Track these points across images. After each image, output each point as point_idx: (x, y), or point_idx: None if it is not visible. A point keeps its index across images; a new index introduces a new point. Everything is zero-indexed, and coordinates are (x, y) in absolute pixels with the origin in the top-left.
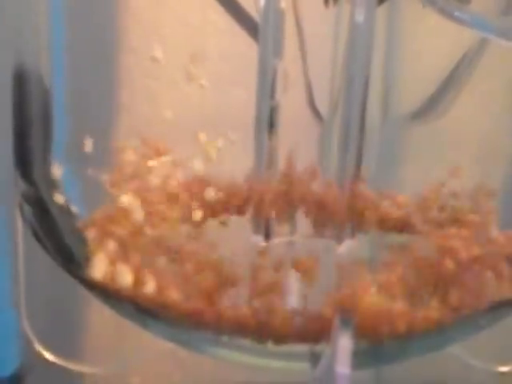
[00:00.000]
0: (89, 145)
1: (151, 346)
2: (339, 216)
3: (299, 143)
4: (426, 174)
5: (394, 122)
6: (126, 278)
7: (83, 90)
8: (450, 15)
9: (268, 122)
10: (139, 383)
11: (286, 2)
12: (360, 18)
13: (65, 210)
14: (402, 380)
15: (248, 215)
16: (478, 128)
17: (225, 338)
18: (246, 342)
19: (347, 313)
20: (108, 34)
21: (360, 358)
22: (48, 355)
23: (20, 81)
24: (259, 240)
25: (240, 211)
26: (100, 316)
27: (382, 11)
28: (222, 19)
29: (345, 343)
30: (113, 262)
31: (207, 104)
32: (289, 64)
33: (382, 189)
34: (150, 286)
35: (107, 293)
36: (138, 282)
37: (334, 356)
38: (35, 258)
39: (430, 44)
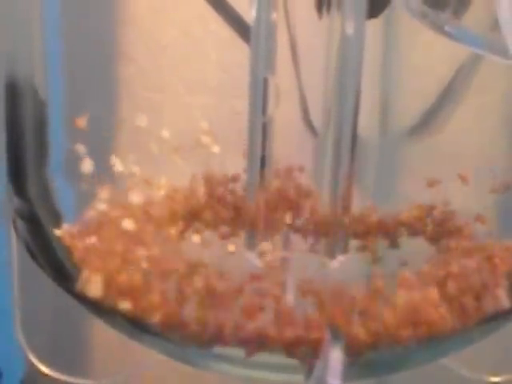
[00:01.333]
0: (87, 164)
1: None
2: (331, 231)
3: (294, 158)
4: (424, 188)
5: (393, 137)
6: (124, 304)
7: (81, 102)
8: (439, 29)
9: (261, 137)
10: None
11: (279, 14)
12: (350, 30)
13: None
14: None
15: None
16: (474, 142)
17: (220, 352)
18: (239, 355)
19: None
20: (107, 45)
21: (356, 369)
22: (44, 368)
23: (13, 92)
24: (253, 257)
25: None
26: (99, 328)
27: (378, 25)
28: (222, 30)
29: (336, 355)
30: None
31: (209, 115)
32: (283, 78)
33: (380, 204)
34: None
35: (102, 308)
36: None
37: (325, 368)
38: (31, 273)
39: (427, 57)
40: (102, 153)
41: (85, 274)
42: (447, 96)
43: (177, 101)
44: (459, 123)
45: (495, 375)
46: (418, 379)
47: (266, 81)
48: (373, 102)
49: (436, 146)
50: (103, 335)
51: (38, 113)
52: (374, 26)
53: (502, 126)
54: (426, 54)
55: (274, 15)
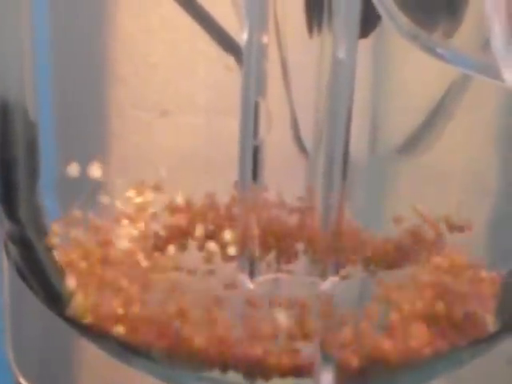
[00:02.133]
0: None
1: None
2: (323, 252)
3: (285, 179)
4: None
5: (383, 156)
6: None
7: (72, 122)
8: (431, 51)
9: (252, 161)
10: None
11: (270, 33)
12: (341, 54)
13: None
14: None
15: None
16: (463, 162)
17: (211, 374)
18: (233, 378)
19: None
20: (97, 64)
21: None
22: None
23: (3, 113)
24: (244, 278)
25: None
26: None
27: (368, 43)
28: (212, 49)
29: (327, 378)
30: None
31: (198, 134)
32: (274, 98)
33: (370, 224)
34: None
35: (91, 331)
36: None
37: None
38: (23, 297)
39: (418, 74)
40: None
41: (78, 298)
42: (438, 113)
43: (166, 120)
44: (449, 141)
45: None
46: None
47: (257, 104)
48: (362, 120)
49: (425, 165)
50: (94, 357)
51: (29, 134)
52: (363, 44)
53: (492, 144)
54: (417, 70)
55: (266, 38)
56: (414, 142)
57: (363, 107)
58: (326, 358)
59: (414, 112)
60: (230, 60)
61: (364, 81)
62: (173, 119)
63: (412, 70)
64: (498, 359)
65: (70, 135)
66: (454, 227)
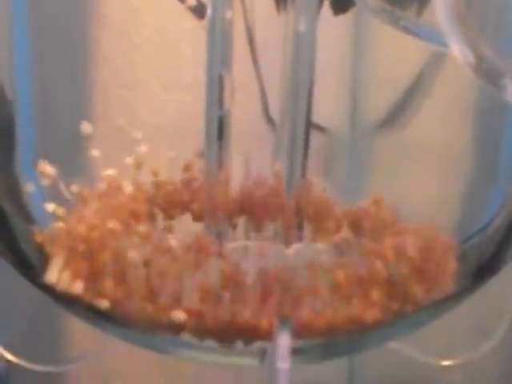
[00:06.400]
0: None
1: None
2: (286, 220)
3: (255, 152)
4: (389, 183)
5: (363, 132)
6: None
7: (53, 102)
8: (395, 24)
9: (217, 131)
10: None
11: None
12: (302, 27)
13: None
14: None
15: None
16: (440, 135)
17: (185, 339)
18: (207, 342)
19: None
20: (80, 45)
21: (312, 352)
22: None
23: None
24: None
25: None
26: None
27: (348, 20)
28: (198, 27)
29: (284, 341)
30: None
31: (184, 112)
32: (244, 72)
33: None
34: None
35: (66, 298)
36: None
37: (274, 353)
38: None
39: (398, 50)
40: (74, 151)
41: (56, 264)
42: (415, 88)
43: (152, 98)
44: (424, 119)
45: (446, 359)
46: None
47: (221, 77)
48: (343, 95)
49: (403, 140)
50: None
51: (6, 112)
52: (344, 21)
53: (467, 118)
54: (397, 46)
55: (230, 13)
56: (394, 116)
57: (344, 81)
58: (283, 322)
59: (395, 86)
60: None
61: (344, 54)
62: (158, 97)
63: (392, 43)
64: (470, 329)
65: (50, 114)
66: None
